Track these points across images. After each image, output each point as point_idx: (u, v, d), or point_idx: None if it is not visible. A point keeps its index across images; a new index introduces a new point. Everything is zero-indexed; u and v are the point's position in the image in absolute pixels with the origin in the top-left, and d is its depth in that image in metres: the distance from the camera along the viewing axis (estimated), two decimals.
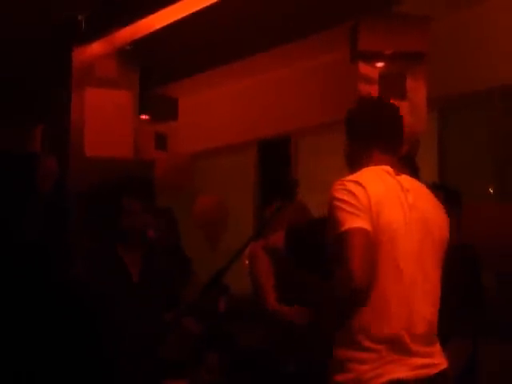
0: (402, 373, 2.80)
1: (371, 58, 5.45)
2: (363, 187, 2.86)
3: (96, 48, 6.36)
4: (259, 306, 3.48)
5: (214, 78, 7.65)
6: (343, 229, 2.79)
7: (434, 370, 2.88)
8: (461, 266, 3.71)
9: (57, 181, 5.41)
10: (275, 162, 7.59)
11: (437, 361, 2.91)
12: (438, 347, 2.94)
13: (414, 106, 5.37)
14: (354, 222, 2.79)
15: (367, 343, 2.82)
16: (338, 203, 2.84)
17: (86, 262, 4.19)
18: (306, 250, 3.47)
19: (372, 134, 3.09)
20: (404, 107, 5.40)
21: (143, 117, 7.23)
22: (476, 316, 3.88)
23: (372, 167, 3.01)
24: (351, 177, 2.93)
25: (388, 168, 3.01)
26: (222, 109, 8.22)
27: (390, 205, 2.89)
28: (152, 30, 5.92)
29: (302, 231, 3.59)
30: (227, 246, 6.68)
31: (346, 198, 2.84)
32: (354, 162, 3.08)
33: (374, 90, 5.39)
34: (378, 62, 5.47)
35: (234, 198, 7.75)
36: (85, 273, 4.11)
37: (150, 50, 6.43)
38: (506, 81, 5.56)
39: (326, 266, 3.28)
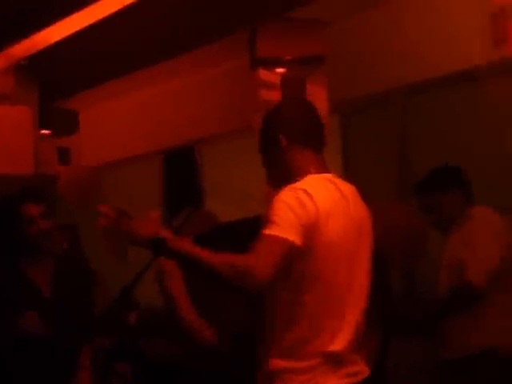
0: (335, 381, 2.83)
1: (271, 64, 5.47)
2: (312, 198, 2.82)
3: None
4: (174, 318, 3.44)
5: (115, 90, 7.58)
6: (272, 232, 2.75)
7: (361, 377, 2.91)
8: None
9: None
10: (181, 172, 7.56)
11: (363, 367, 2.93)
12: (363, 352, 2.96)
13: None
14: (287, 232, 2.75)
15: (304, 355, 2.83)
16: (283, 205, 2.78)
17: None
18: None
19: (310, 135, 3.04)
20: None
21: (44, 132, 7.11)
22: (385, 316, 3.93)
23: (315, 175, 2.95)
24: (301, 185, 2.86)
25: (329, 176, 2.98)
26: (124, 120, 8.15)
27: (334, 218, 2.86)
28: (48, 43, 5.82)
29: (209, 238, 3.57)
30: (136, 259, 6.61)
31: (292, 204, 2.79)
32: (291, 167, 2.99)
33: (275, 96, 5.41)
34: (278, 67, 5.50)
35: (141, 208, 7.67)
36: None
37: (47, 63, 6.33)
38: (406, 80, 5.65)
39: None
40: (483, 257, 4.32)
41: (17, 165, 6.31)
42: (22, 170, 6.33)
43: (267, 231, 2.75)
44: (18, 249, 4.11)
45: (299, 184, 2.87)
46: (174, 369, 3.65)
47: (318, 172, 2.99)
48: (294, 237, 2.75)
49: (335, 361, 2.84)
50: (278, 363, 2.85)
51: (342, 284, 2.88)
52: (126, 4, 5.21)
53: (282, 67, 5.50)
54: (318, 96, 5.44)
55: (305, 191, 2.82)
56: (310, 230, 2.79)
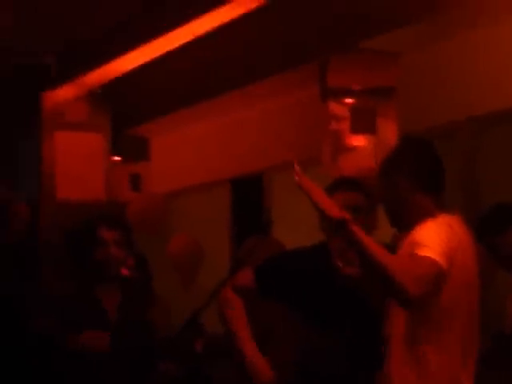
0: None
1: (341, 94, 5.48)
2: (454, 231, 2.94)
3: (66, 92, 6.37)
4: (234, 350, 3.40)
5: (186, 118, 7.66)
6: (427, 254, 2.80)
7: None
8: None
9: (28, 227, 5.35)
10: (249, 200, 7.59)
11: None
12: None
13: (383, 141, 5.40)
14: (438, 255, 2.81)
15: None
16: (433, 233, 2.87)
17: (58, 310, 4.15)
18: (280, 280, 3.44)
19: (431, 179, 3.09)
20: (373, 142, 5.44)
21: (116, 158, 7.21)
22: None
23: (446, 215, 3.02)
24: (442, 221, 2.96)
25: (455, 216, 3.05)
26: (194, 148, 8.21)
27: (466, 254, 2.97)
28: (121, 72, 5.93)
29: (276, 263, 3.54)
30: (203, 287, 6.65)
31: (441, 232, 2.87)
32: (414, 209, 3.04)
33: (344, 127, 5.42)
34: (348, 98, 5.50)
35: (208, 237, 7.72)
36: (53, 323, 4.05)
37: (120, 91, 6.44)
38: (476, 112, 5.61)
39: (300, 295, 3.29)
40: None
41: (89, 191, 6.42)
42: (94, 197, 6.43)
43: (422, 253, 2.80)
44: (90, 272, 4.17)
45: (439, 220, 2.95)
46: None
47: (442, 213, 3.04)
48: (443, 261, 2.82)
49: None
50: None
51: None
52: (197, 34, 5.29)
53: (352, 97, 5.51)
54: (388, 128, 5.43)
55: (449, 225, 2.93)
56: (451, 261, 2.86)
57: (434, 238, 2.84)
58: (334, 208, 2.87)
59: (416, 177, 3.05)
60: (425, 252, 2.80)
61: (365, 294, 3.23)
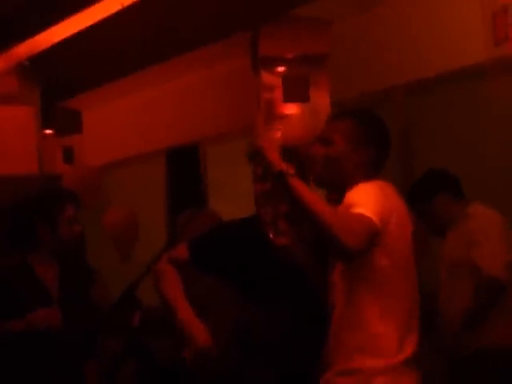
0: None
1: (273, 62, 5.48)
2: (388, 195, 2.96)
3: None
4: (171, 320, 3.41)
5: (118, 89, 7.59)
6: (362, 211, 2.82)
7: None
8: None
9: None
10: (184, 171, 7.57)
11: None
12: None
13: (316, 109, 5.42)
14: (373, 214, 2.84)
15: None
16: (367, 192, 2.90)
17: None
18: (213, 255, 3.45)
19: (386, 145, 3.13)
20: (306, 110, 5.46)
21: (47, 131, 7.12)
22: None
23: (378, 180, 3.05)
24: (376, 183, 2.98)
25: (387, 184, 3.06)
26: (127, 119, 8.16)
27: (401, 220, 3.00)
28: (50, 43, 5.83)
29: (212, 236, 3.55)
30: (139, 260, 6.63)
31: (377, 192, 2.91)
32: (352, 172, 3.06)
33: (277, 95, 5.42)
34: (280, 66, 5.51)
35: (144, 208, 7.70)
36: None
37: (50, 63, 6.34)
38: (407, 78, 5.66)
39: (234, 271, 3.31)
40: (496, 251, 4.34)
41: (21, 165, 6.34)
42: (27, 170, 6.36)
43: (358, 210, 2.82)
44: (30, 246, 4.12)
45: (374, 182, 2.98)
46: (180, 371, 3.66)
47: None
48: (377, 220, 2.84)
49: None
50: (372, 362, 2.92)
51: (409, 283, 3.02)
52: (126, 4, 5.22)
53: (284, 66, 5.51)
54: (321, 95, 5.45)
55: (381, 187, 2.96)
56: (386, 222, 2.89)
57: (368, 197, 2.88)
58: (278, 161, 2.91)
59: (381, 151, 3.11)
60: (359, 210, 2.83)
61: (298, 263, 3.25)
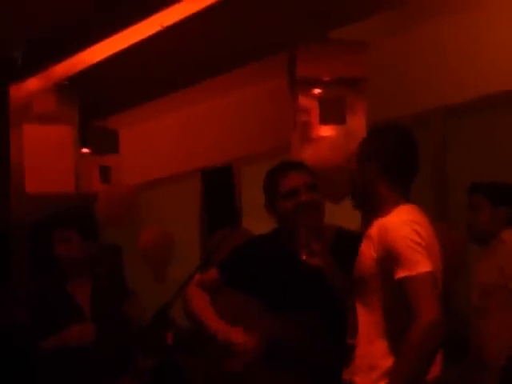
0: None
1: (310, 84, 5.49)
2: (423, 227, 2.95)
3: (33, 84, 6.33)
4: (206, 336, 3.42)
5: (155, 109, 7.64)
6: (421, 270, 2.84)
7: None
8: None
9: None
10: (219, 191, 7.58)
11: None
12: None
13: (353, 132, 5.41)
14: (426, 263, 2.85)
15: None
16: (407, 241, 2.88)
17: (31, 303, 4.15)
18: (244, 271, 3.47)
19: (402, 170, 3.09)
20: (342, 132, 5.46)
21: (84, 150, 7.18)
22: None
23: (408, 205, 3.04)
24: (407, 216, 2.96)
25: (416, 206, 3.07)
26: (164, 139, 8.21)
27: (434, 246, 3.00)
28: (89, 63, 5.89)
29: (233, 256, 3.56)
30: (174, 279, 6.64)
31: (414, 238, 2.89)
32: (379, 196, 3.06)
33: (313, 117, 5.42)
34: (317, 88, 5.51)
35: (179, 228, 7.72)
36: (28, 317, 4.07)
37: (88, 83, 6.40)
38: (445, 101, 5.64)
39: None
40: None
41: (58, 183, 6.39)
42: (64, 189, 6.40)
43: (411, 271, 2.84)
44: (60, 271, 4.18)
45: (404, 215, 2.96)
46: None
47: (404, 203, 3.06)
48: (430, 265, 2.87)
49: None
50: None
51: None
52: (165, 26, 5.27)
53: (321, 88, 5.51)
54: (357, 118, 5.45)
55: (415, 222, 2.94)
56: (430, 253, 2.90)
57: (411, 244, 2.87)
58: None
59: (385, 165, 3.05)
60: (415, 268, 2.84)
61: (328, 282, 3.25)
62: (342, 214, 4.40)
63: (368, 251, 2.99)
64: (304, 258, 3.26)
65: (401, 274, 2.86)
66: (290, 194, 3.38)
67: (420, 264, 2.84)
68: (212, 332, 3.35)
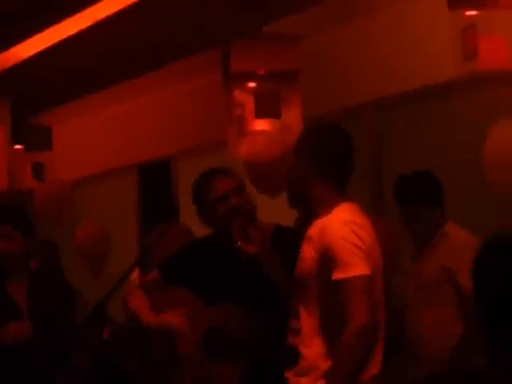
0: None
1: (244, 79, 5.50)
2: (362, 228, 2.97)
3: None
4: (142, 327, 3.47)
5: (88, 105, 7.57)
6: (355, 273, 2.86)
7: None
8: None
9: None
10: (156, 186, 7.56)
11: None
12: None
13: (288, 125, 5.44)
14: (363, 267, 2.87)
15: None
16: (345, 243, 2.90)
17: None
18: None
19: (335, 168, 3.09)
20: (278, 126, 5.48)
21: (17, 147, 7.10)
22: None
23: (346, 204, 3.05)
24: (346, 216, 2.97)
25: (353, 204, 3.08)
26: (98, 135, 8.14)
27: (375, 245, 3.03)
28: (21, 59, 5.82)
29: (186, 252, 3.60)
30: (111, 274, 6.60)
31: (353, 240, 2.91)
32: (315, 195, 3.06)
33: (248, 112, 5.44)
34: (251, 82, 5.52)
35: (116, 224, 7.67)
36: None
37: (19, 79, 6.32)
38: (378, 94, 5.69)
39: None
40: None
41: None
42: None
43: (348, 273, 2.86)
44: None
45: (344, 215, 2.97)
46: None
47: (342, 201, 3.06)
48: (367, 269, 2.88)
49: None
50: None
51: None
52: (97, 20, 5.22)
53: (255, 82, 5.53)
54: (292, 111, 5.47)
55: (355, 223, 2.95)
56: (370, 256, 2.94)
57: (354, 244, 2.90)
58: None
59: (317, 163, 3.06)
60: (350, 271, 2.87)
61: (266, 270, 3.27)
62: (278, 209, 4.42)
63: (309, 252, 3.01)
64: (239, 244, 3.28)
65: (337, 275, 2.89)
66: (221, 199, 3.41)
67: (356, 267, 2.86)
68: (146, 323, 3.43)
